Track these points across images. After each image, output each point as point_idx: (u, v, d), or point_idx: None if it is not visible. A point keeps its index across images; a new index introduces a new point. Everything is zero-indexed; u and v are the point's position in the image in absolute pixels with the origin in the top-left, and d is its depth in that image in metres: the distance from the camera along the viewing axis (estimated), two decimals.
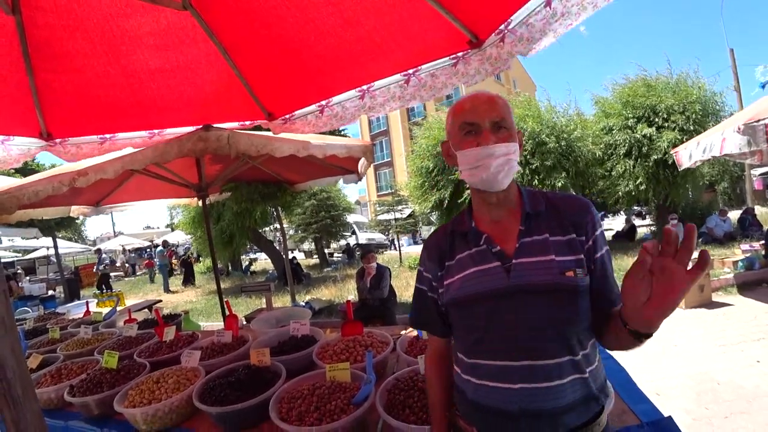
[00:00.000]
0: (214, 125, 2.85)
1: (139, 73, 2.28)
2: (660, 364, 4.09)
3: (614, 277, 1.09)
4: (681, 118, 9.55)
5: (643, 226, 15.82)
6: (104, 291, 12.35)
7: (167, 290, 14.14)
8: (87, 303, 5.15)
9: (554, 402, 1.00)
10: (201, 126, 2.79)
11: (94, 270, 18.05)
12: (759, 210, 13.69)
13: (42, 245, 18.77)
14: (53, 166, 11.66)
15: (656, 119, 9.93)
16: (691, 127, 9.39)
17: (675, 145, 8.58)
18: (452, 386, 1.23)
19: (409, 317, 1.35)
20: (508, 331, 1.04)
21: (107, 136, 2.72)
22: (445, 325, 1.22)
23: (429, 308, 1.24)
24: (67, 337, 3.32)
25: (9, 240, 18.00)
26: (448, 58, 2.24)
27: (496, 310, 1.06)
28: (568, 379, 1.01)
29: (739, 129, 4.80)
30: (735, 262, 6.95)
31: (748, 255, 7.13)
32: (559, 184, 9.29)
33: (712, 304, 5.77)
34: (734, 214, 11.58)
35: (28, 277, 19.39)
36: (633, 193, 10.04)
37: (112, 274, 23.23)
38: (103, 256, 19.84)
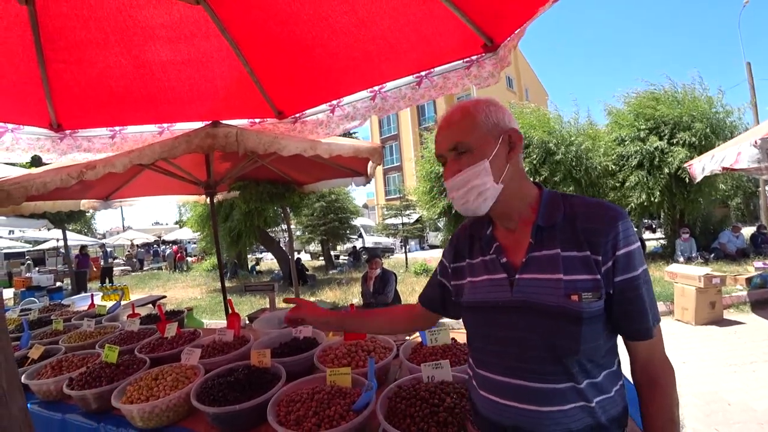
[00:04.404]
0: (223, 122, 2.84)
1: (151, 65, 2.27)
2: None
3: (643, 306, 0.95)
4: (687, 134, 9.44)
5: (653, 240, 15.60)
6: (106, 284, 12.43)
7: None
8: (92, 296, 5.15)
9: (554, 428, 0.93)
10: (210, 122, 2.78)
11: (100, 262, 18.21)
12: None
13: (52, 237, 19.01)
14: None
15: (666, 132, 9.82)
16: (697, 142, 9.30)
17: (685, 161, 8.49)
18: (388, 325, 1.49)
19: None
20: (506, 347, 1.00)
21: (117, 128, 2.72)
22: (437, 303, 1.32)
23: (433, 286, 1.33)
24: (70, 329, 3.31)
25: (20, 231, 18.25)
26: (461, 61, 2.21)
27: (496, 323, 1.02)
28: (570, 406, 0.93)
29: (755, 143, 4.71)
30: (748, 279, 6.79)
31: (761, 272, 6.97)
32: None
33: (723, 322, 5.64)
34: (747, 231, 11.37)
35: (37, 268, 19.60)
36: (646, 205, 9.90)
37: (119, 268, 23.47)
38: (109, 250, 20.05)
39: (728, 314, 5.92)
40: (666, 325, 5.79)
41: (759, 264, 7.61)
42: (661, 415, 0.98)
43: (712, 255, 9.61)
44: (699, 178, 6.00)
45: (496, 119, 1.01)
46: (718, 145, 8.65)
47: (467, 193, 1.00)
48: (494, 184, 1.00)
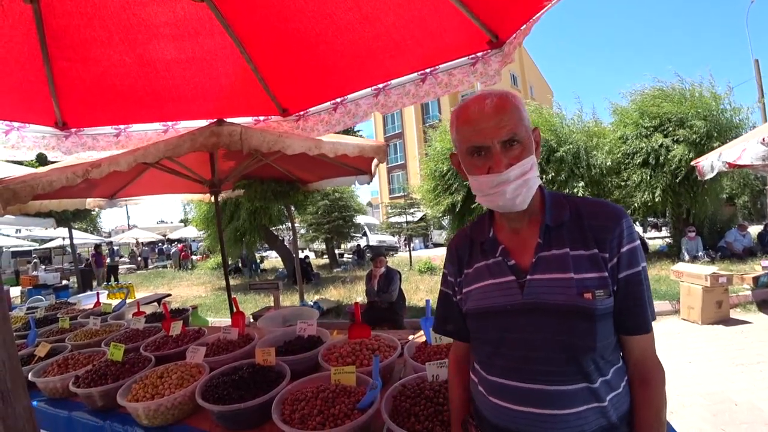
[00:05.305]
0: (227, 120, 2.84)
1: (155, 63, 2.28)
2: (673, 381, 3.95)
3: (644, 301, 0.96)
4: (688, 132, 9.34)
5: (658, 238, 15.50)
6: (111, 283, 12.54)
7: None
8: (98, 294, 5.18)
9: (567, 431, 0.93)
10: (214, 120, 2.78)
11: (106, 261, 18.33)
12: None
13: (58, 235, 19.16)
14: None
15: (670, 129, 9.72)
16: (698, 139, 9.19)
17: (688, 158, 8.39)
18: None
19: (434, 322, 1.30)
20: (518, 351, 0.98)
21: (121, 127, 2.73)
22: (464, 332, 1.17)
23: (453, 313, 1.19)
24: (76, 327, 3.33)
25: (27, 230, 18.40)
26: (467, 57, 2.20)
27: (507, 327, 1.00)
28: (582, 408, 0.92)
29: (763, 140, 4.67)
30: (755, 278, 6.72)
31: None
32: (577, 192, 9.21)
33: (729, 321, 5.58)
34: (754, 229, 11.25)
35: (43, 266, 19.77)
36: (650, 204, 9.83)
37: (124, 267, 23.60)
38: (115, 248, 20.17)
39: (735, 313, 5.86)
40: (672, 324, 5.75)
41: (766, 263, 7.53)
42: (651, 412, 0.99)
43: (719, 254, 9.51)
44: (708, 176, 5.95)
45: (527, 114, 1.00)
46: (718, 143, 8.58)
47: (521, 185, 0.95)
48: (538, 179, 1.00)
